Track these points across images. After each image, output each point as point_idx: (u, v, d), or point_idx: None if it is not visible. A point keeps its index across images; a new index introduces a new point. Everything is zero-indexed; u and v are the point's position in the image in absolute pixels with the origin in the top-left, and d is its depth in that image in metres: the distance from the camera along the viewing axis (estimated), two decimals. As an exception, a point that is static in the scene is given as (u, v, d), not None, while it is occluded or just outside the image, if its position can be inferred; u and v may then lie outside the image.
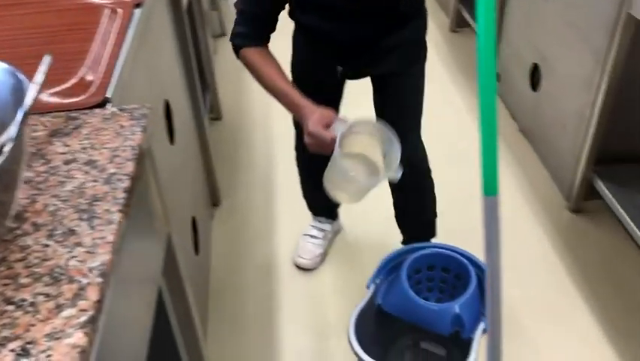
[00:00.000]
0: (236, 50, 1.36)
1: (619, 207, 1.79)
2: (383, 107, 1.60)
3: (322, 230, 1.93)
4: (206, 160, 1.99)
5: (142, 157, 0.79)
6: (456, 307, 1.34)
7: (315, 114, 1.25)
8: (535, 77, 2.28)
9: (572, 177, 2.00)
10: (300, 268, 1.89)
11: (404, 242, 1.81)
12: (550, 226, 2.01)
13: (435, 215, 1.78)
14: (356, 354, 1.29)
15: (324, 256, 1.92)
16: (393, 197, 1.77)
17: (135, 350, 0.74)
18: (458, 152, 2.28)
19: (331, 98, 1.63)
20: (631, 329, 1.66)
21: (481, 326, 1.32)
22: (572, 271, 1.84)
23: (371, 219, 2.05)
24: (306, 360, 1.63)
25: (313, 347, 1.66)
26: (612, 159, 1.94)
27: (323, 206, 1.92)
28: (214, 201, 2.12)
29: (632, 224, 1.73)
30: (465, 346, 1.32)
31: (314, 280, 1.86)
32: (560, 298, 1.77)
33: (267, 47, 1.37)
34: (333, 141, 1.18)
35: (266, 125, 2.61)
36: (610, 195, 1.84)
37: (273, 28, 1.38)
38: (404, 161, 1.64)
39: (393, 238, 1.82)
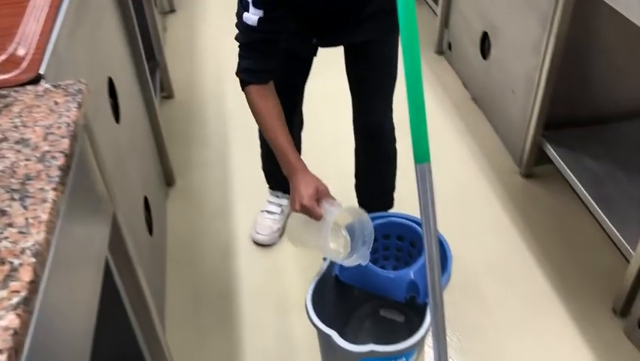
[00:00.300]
0: (243, 85, 1.33)
1: (568, 170, 1.84)
2: (357, 77, 1.59)
3: (279, 205, 1.92)
4: (157, 139, 1.95)
5: (78, 134, 0.76)
6: (411, 273, 1.36)
7: (310, 187, 1.27)
8: (485, 45, 2.30)
9: (522, 142, 2.04)
10: (258, 244, 1.88)
11: None
12: (502, 192, 2.05)
13: (394, 187, 1.80)
14: (314, 325, 1.29)
15: (282, 231, 1.91)
16: (357, 164, 1.78)
17: (80, 331, 0.72)
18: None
19: (303, 68, 1.61)
20: (581, 288, 1.71)
21: (436, 290, 1.34)
22: (525, 235, 1.89)
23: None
24: (267, 335, 1.63)
25: (274, 321, 1.67)
26: (560, 124, 1.98)
27: (282, 179, 1.91)
28: (168, 180, 2.08)
29: (580, 186, 1.78)
30: (422, 311, 1.34)
31: (272, 256, 1.86)
32: (513, 261, 1.81)
33: (271, 84, 1.33)
34: (321, 216, 1.25)
35: (219, 103, 2.57)
36: (559, 159, 1.88)
37: (277, 56, 1.33)
38: (377, 128, 1.65)
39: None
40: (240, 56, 1.32)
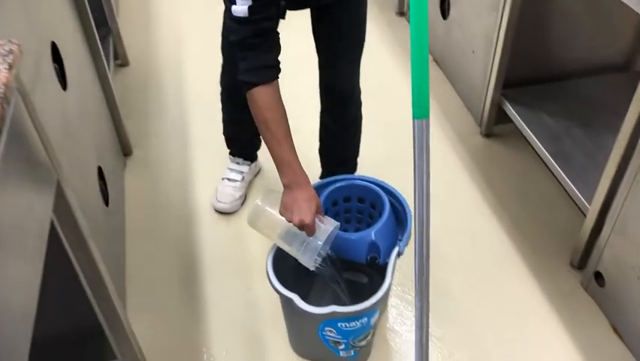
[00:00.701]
0: (246, 88, 1.26)
1: (526, 128, 1.85)
2: (327, 40, 1.53)
3: (240, 172, 1.89)
4: (111, 108, 1.89)
5: (10, 97, 0.72)
6: (372, 234, 1.35)
7: (313, 205, 1.26)
8: (444, 5, 2.28)
9: (482, 102, 2.05)
10: (219, 212, 1.86)
11: (322, 177, 1.81)
12: (464, 152, 2.06)
13: (358, 152, 1.78)
14: (275, 289, 1.29)
15: (243, 199, 1.89)
16: (323, 130, 1.75)
17: (20, 299, 0.69)
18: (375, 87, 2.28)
19: None
20: (541, 243, 1.74)
21: (396, 250, 1.34)
22: (486, 194, 1.90)
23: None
24: (231, 302, 1.62)
25: (238, 288, 1.66)
26: (519, 83, 1.99)
27: (244, 145, 1.88)
28: (125, 150, 2.02)
29: (538, 143, 1.80)
30: (385, 272, 1.34)
31: (234, 223, 1.84)
32: (475, 220, 1.83)
33: (276, 85, 1.27)
34: (314, 233, 1.27)
35: (177, 70, 2.50)
36: (518, 117, 1.89)
37: (276, 50, 1.27)
38: (348, 92, 1.61)
39: (311, 177, 1.81)
40: (239, 59, 1.26)
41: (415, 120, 0.89)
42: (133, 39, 2.63)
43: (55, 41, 1.29)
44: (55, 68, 1.27)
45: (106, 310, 1.12)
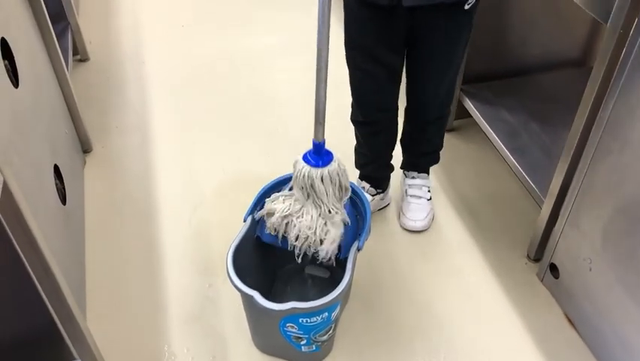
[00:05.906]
0: None
1: (485, 123, 1.88)
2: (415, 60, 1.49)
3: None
4: (69, 105, 1.85)
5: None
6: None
7: None
8: (406, 0, 2.29)
9: (443, 97, 2.07)
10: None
11: (403, 167, 1.84)
12: (425, 146, 2.08)
13: (442, 145, 1.78)
14: (235, 286, 1.29)
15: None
16: (406, 123, 1.75)
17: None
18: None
19: (385, 30, 1.38)
20: (498, 235, 1.78)
21: (356, 245, 1.35)
22: (445, 186, 1.93)
23: (248, 157, 2.03)
24: (193, 301, 1.61)
25: (199, 286, 1.65)
26: (478, 78, 2.02)
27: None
28: (85, 147, 1.99)
29: (497, 138, 1.83)
30: (345, 267, 1.35)
31: (196, 220, 1.83)
32: (434, 212, 1.85)
33: None
34: None
35: (138, 65, 2.47)
36: (477, 112, 1.92)
37: None
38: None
39: (270, 174, 1.81)
40: None
41: None
42: (93, 33, 2.59)
43: (5, 37, 1.26)
44: (6, 65, 1.24)
45: (61, 311, 1.11)
